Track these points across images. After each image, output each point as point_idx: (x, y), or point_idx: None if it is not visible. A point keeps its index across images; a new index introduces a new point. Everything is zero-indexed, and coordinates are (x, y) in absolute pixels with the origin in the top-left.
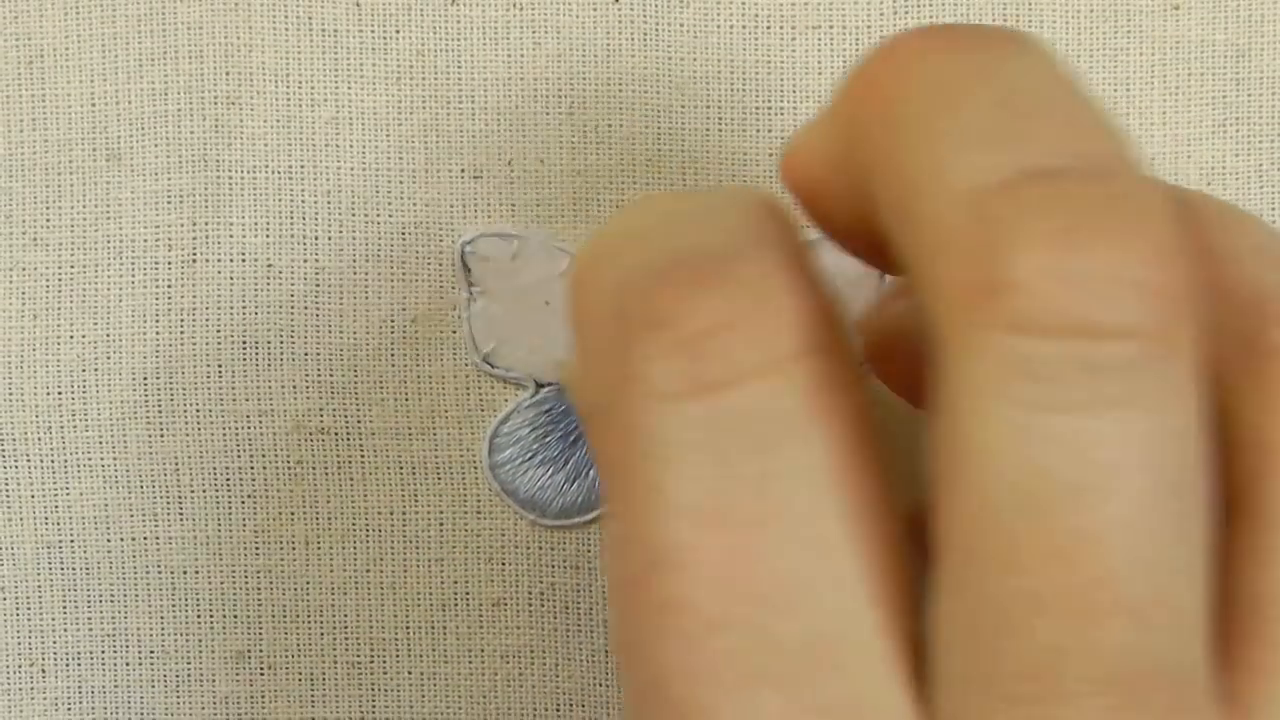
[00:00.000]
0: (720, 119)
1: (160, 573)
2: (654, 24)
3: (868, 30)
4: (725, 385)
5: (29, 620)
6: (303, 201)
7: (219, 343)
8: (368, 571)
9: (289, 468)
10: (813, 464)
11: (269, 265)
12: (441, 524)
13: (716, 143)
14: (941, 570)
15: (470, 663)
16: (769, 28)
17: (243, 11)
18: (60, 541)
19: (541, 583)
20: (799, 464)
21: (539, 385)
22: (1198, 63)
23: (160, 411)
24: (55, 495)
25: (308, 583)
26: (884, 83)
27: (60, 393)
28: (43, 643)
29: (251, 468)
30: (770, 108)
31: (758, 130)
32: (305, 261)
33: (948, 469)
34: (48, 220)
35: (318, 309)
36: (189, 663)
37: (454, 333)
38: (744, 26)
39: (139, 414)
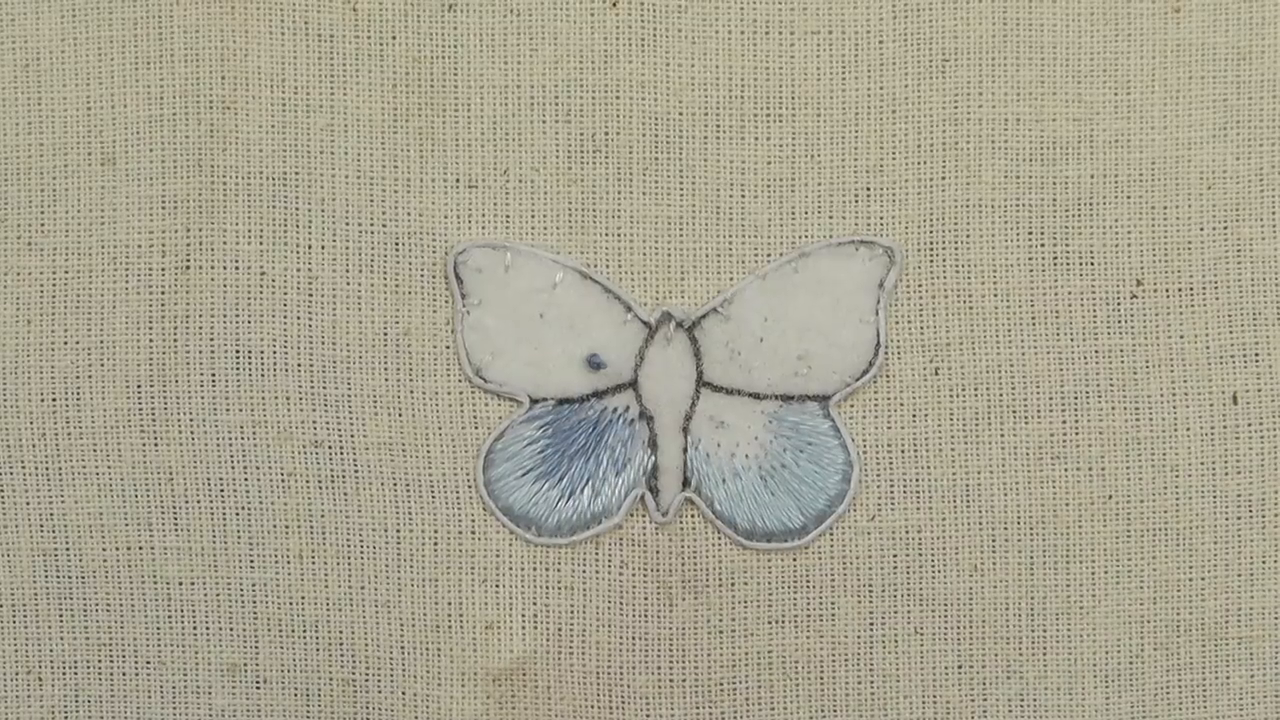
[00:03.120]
0: (718, 126)
1: (155, 583)
2: (651, 30)
3: (866, 36)
4: None
5: (25, 628)
6: (296, 209)
7: (212, 351)
8: (362, 589)
9: (281, 480)
10: None
11: (262, 273)
12: (435, 544)
13: (714, 150)
14: None
15: (463, 685)
16: (767, 33)
17: (239, 16)
18: (55, 549)
19: (534, 604)
20: None
21: (533, 400)
22: (1198, 66)
23: (154, 420)
24: (50, 503)
25: (303, 598)
26: None
27: (54, 399)
28: (39, 651)
29: (245, 479)
30: (769, 114)
31: (756, 138)
32: (299, 270)
33: None
34: (42, 225)
35: (310, 319)
36: (184, 675)
37: (447, 346)
38: (742, 32)
39: (133, 422)
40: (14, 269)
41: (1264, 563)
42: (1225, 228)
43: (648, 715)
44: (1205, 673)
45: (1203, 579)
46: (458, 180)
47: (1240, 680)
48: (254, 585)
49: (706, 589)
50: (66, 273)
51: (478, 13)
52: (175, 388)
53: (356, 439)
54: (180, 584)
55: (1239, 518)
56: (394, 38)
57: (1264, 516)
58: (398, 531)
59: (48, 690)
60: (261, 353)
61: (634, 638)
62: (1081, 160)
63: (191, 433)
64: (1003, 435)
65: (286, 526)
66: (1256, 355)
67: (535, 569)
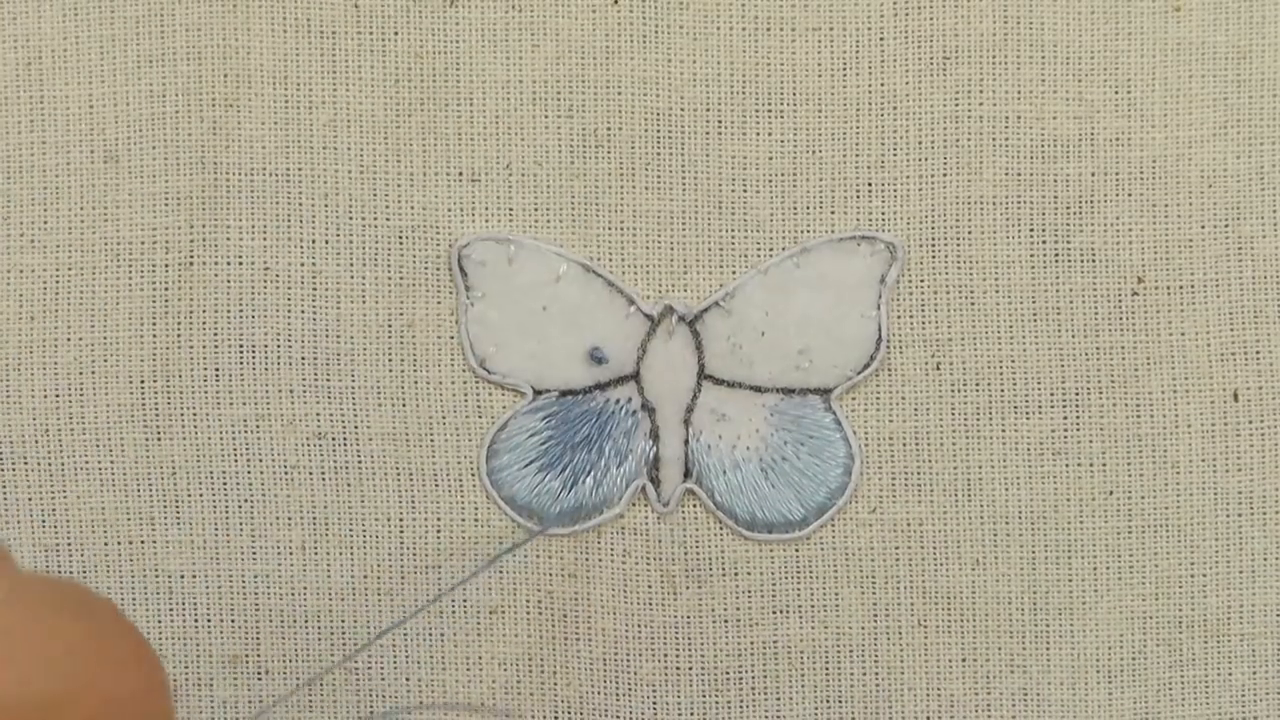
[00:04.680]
0: (720, 122)
1: (158, 577)
2: (653, 26)
3: (868, 32)
4: None
5: None
6: (300, 205)
7: (216, 346)
8: (365, 578)
9: (285, 472)
10: None
11: (266, 268)
12: (439, 531)
13: (716, 146)
14: None
15: (468, 670)
16: (769, 30)
17: (241, 13)
18: (58, 545)
19: (539, 591)
20: None
21: (536, 391)
22: (1199, 64)
23: (157, 415)
24: (52, 498)
25: (305, 588)
26: None
27: (57, 395)
28: None
29: (248, 472)
30: (770, 110)
31: (758, 134)
32: (302, 265)
33: None
34: (45, 222)
35: (314, 313)
36: (186, 667)
37: (451, 338)
38: (744, 29)
39: (136, 417)
40: (17, 266)
41: (1265, 559)
42: (1226, 225)
43: (654, 703)
44: (1208, 669)
45: (1204, 575)
46: (460, 174)
47: (1242, 676)
48: (256, 577)
49: (710, 578)
50: (69, 269)
51: (479, 8)
52: (178, 383)
53: (360, 431)
54: (182, 577)
55: (1240, 515)
56: (396, 33)
57: (1265, 514)
58: (401, 521)
59: None
60: (265, 347)
61: (639, 625)
62: (1082, 158)
63: (195, 427)
64: (1004, 430)
65: (289, 518)
66: (1258, 353)
67: (539, 557)
